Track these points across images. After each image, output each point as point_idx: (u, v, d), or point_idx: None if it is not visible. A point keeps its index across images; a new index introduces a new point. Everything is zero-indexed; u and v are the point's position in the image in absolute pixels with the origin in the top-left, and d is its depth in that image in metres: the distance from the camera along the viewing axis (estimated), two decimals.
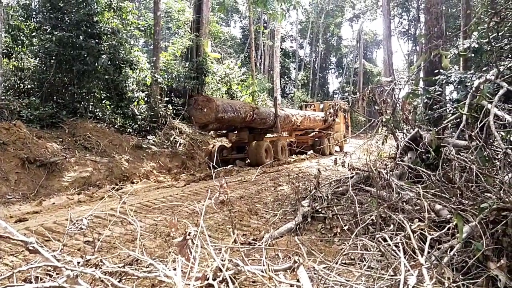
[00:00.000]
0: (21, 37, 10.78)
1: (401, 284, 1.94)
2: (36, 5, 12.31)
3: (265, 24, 34.30)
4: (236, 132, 12.45)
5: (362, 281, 2.43)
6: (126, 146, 10.67)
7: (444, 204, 3.79)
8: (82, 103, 11.19)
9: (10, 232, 2.02)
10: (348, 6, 46.52)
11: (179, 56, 16.46)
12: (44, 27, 11.07)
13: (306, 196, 5.52)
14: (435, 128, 5.41)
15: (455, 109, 5.93)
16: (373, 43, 54.13)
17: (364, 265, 2.74)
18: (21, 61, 10.97)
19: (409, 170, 5.15)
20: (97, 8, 11.22)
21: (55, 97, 10.87)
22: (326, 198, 5.19)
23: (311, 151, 16.20)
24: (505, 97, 4.65)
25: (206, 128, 11.61)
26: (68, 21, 10.79)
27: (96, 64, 10.95)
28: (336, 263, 2.77)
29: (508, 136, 3.81)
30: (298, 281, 2.39)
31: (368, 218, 4.01)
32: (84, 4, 10.91)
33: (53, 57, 10.61)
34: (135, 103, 12.73)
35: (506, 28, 6.50)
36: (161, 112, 13.34)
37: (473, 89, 5.06)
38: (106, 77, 11.55)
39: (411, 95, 6.06)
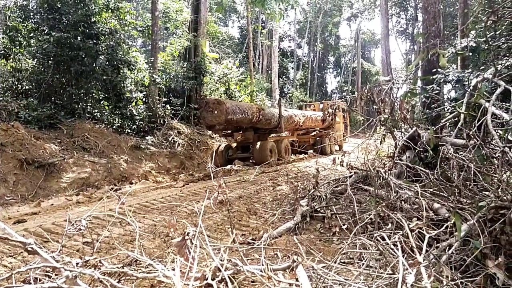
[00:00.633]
0: (19, 38, 10.76)
1: (399, 282, 1.94)
2: (33, 5, 12.31)
3: (263, 24, 34.28)
4: (241, 132, 12.78)
5: (360, 280, 2.44)
6: (124, 147, 10.67)
7: (443, 203, 3.80)
8: (80, 104, 11.18)
9: (9, 233, 2.01)
10: (346, 6, 46.53)
11: (177, 56, 16.44)
12: (41, 27, 11.05)
13: (305, 195, 5.53)
14: (433, 127, 5.42)
15: (453, 108, 5.93)
16: (371, 42, 54.16)
17: (363, 264, 2.74)
18: (19, 62, 10.95)
19: (408, 169, 5.16)
20: (95, 9, 11.21)
21: (53, 98, 10.85)
22: (324, 197, 5.20)
23: (311, 151, 16.27)
24: (502, 95, 4.65)
25: (214, 129, 12.00)
26: (66, 21, 10.77)
27: (94, 65, 10.93)
28: (335, 262, 2.78)
29: (506, 134, 3.81)
30: (297, 280, 2.39)
31: (367, 217, 4.02)
32: (82, 4, 10.89)
33: (51, 58, 10.60)
34: (133, 103, 12.73)
35: (503, 27, 6.51)
36: (159, 113, 13.34)
37: (471, 88, 5.07)
38: (104, 77, 11.53)
39: (409, 94, 6.06)
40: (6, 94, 10.18)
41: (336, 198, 5.29)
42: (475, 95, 4.53)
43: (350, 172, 6.00)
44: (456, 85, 6.78)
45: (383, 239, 2.81)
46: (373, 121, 6.09)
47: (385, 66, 28.32)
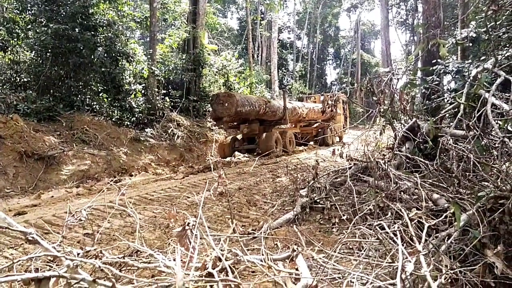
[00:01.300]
0: (16, 30, 10.69)
1: (398, 271, 1.95)
2: None
3: (262, 15, 34.05)
4: (247, 124, 13.02)
5: (360, 268, 2.45)
6: (124, 139, 10.66)
7: (442, 193, 3.81)
8: (79, 96, 11.15)
9: (9, 223, 2.02)
10: None
11: (176, 48, 16.36)
12: (39, 19, 10.97)
13: (304, 187, 5.54)
14: (432, 118, 5.41)
15: (453, 99, 5.92)
16: (371, 33, 53.87)
17: (362, 253, 2.76)
18: (17, 54, 10.90)
19: (407, 160, 5.17)
20: (92, 0, 11.11)
21: (51, 90, 10.82)
22: (324, 188, 5.21)
23: (312, 142, 16.75)
24: (502, 86, 4.64)
25: (221, 121, 12.35)
26: (64, 13, 10.69)
27: (92, 57, 10.89)
28: (335, 252, 2.79)
29: (506, 125, 3.81)
30: (297, 270, 2.40)
31: (366, 208, 4.03)
32: None
33: (49, 50, 10.54)
34: (132, 95, 12.70)
35: (504, 17, 6.47)
36: (158, 105, 13.31)
37: (471, 78, 5.06)
38: (103, 69, 11.49)
39: (409, 85, 6.05)
40: (4, 87, 10.14)
41: (336, 189, 5.30)
42: (475, 86, 4.52)
43: (350, 164, 6.01)
44: (456, 76, 6.76)
45: (383, 228, 2.83)
46: (373, 113, 6.09)
47: (385, 57, 28.22)
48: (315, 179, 5.41)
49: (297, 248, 2.56)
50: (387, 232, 2.69)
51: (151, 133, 12.04)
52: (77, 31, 10.69)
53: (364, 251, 2.83)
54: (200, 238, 2.43)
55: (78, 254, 2.40)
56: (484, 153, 4.06)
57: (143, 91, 13.23)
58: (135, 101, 12.63)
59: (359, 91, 6.15)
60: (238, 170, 9.31)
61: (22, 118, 8.63)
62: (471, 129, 4.13)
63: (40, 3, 10.90)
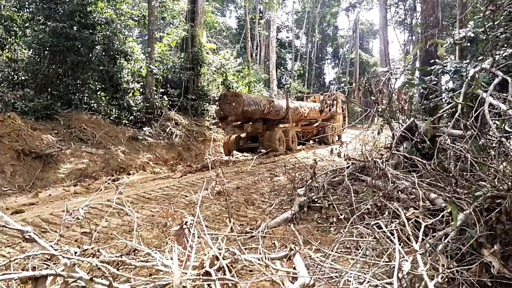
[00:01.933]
0: (14, 28, 10.64)
1: (395, 270, 1.96)
2: None
3: (261, 14, 34.00)
4: (251, 123, 13.54)
5: (357, 267, 2.46)
6: (122, 138, 10.65)
7: (439, 193, 3.82)
8: (77, 94, 11.12)
9: (6, 221, 2.01)
10: None
11: (174, 46, 16.33)
12: (37, 17, 10.93)
13: (302, 186, 5.55)
14: (430, 117, 5.42)
15: (450, 99, 5.93)
16: (369, 33, 53.89)
17: (360, 252, 2.77)
18: (15, 52, 10.86)
19: (405, 159, 5.18)
20: None
21: (49, 89, 10.78)
22: (322, 188, 5.22)
23: (311, 141, 17.09)
24: (500, 86, 4.65)
25: (226, 121, 13.09)
26: (61, 11, 10.66)
27: (90, 55, 10.86)
28: (332, 251, 2.80)
29: (503, 125, 3.82)
30: (294, 269, 2.41)
31: (364, 208, 4.04)
32: None
33: (47, 48, 10.51)
34: (131, 94, 12.67)
35: (501, 17, 6.48)
36: (156, 103, 13.29)
37: (469, 78, 5.07)
38: (101, 68, 11.46)
39: (407, 85, 6.05)
40: (2, 85, 10.10)
41: (334, 188, 5.31)
42: (473, 86, 4.53)
43: (348, 163, 6.02)
44: (454, 76, 6.77)
45: (380, 227, 2.83)
46: (371, 112, 6.09)
47: (383, 56, 28.25)
48: (313, 178, 5.42)
49: (295, 247, 2.56)
50: (384, 232, 2.70)
51: (149, 132, 12.02)
52: (75, 29, 10.65)
53: (362, 250, 2.84)
54: (198, 237, 2.43)
55: (75, 252, 2.40)
56: (482, 153, 4.07)
57: (141, 90, 13.20)
58: (133, 99, 12.61)
59: (357, 91, 6.15)
60: (236, 169, 9.31)
61: (19, 117, 8.61)
62: (468, 129, 4.14)
63: (38, 1, 10.86)
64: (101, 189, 5.18)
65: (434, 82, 7.12)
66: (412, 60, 12.31)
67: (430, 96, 7.11)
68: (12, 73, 10.72)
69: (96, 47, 10.97)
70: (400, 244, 2.31)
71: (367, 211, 3.93)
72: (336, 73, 52.34)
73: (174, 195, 6.16)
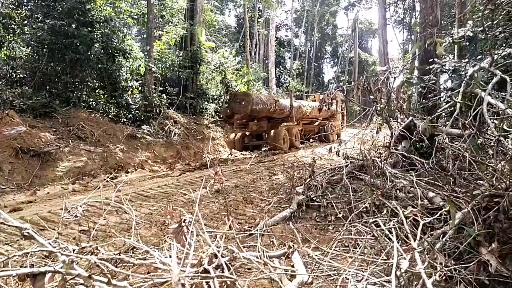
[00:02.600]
0: (13, 26, 10.60)
1: (393, 268, 1.96)
2: None
3: (260, 13, 33.95)
4: (256, 121, 14.02)
5: (355, 265, 2.46)
6: (120, 136, 10.63)
7: (437, 192, 3.83)
8: (75, 92, 11.10)
9: (4, 218, 2.01)
10: None
11: (173, 45, 16.29)
12: (35, 15, 10.89)
13: (301, 185, 5.56)
14: (429, 116, 5.42)
15: (449, 98, 5.94)
16: (368, 32, 53.84)
17: (358, 250, 2.77)
18: (13, 50, 10.81)
19: (403, 158, 5.19)
20: None
21: (47, 87, 10.76)
22: (321, 186, 5.23)
23: (311, 140, 17.53)
24: (498, 85, 4.66)
25: (232, 119, 13.65)
26: (60, 9, 10.62)
27: (89, 53, 10.84)
28: (330, 249, 2.80)
29: (501, 124, 3.83)
30: (292, 266, 2.41)
31: (362, 206, 4.05)
32: None
33: (45, 46, 10.48)
34: (129, 92, 12.65)
35: (500, 16, 6.48)
36: (155, 102, 13.27)
37: (467, 77, 5.07)
38: (99, 66, 11.43)
39: (405, 84, 6.05)
40: (0, 83, 10.07)
41: (332, 187, 5.32)
42: (471, 85, 4.53)
43: (346, 162, 6.03)
44: (453, 75, 6.77)
45: (378, 226, 2.84)
46: (370, 111, 6.10)
47: (382, 56, 28.25)
48: (312, 177, 5.43)
49: (293, 245, 2.56)
50: (383, 230, 2.71)
51: (148, 130, 12.00)
52: (73, 27, 10.62)
53: (360, 248, 2.84)
54: (197, 235, 2.43)
55: (73, 250, 2.40)
56: (480, 152, 4.08)
57: (140, 88, 13.18)
58: (131, 98, 12.59)
59: (356, 90, 6.16)
60: (235, 168, 9.31)
61: (18, 114, 8.58)
62: (467, 128, 4.14)
63: None
64: (100, 187, 5.17)
65: (433, 81, 7.12)
66: (411, 59, 12.30)
67: (429, 95, 7.11)
68: (11, 71, 10.68)
69: (95, 45, 10.95)
70: (398, 242, 2.32)
71: (366, 210, 3.94)
72: (335, 72, 52.33)
73: (173, 193, 6.17)
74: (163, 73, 14.96)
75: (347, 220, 3.42)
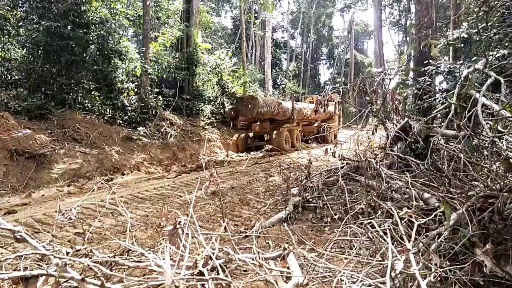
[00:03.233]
0: (8, 27, 10.54)
1: (388, 269, 1.96)
2: None
3: (256, 14, 33.99)
4: (258, 123, 14.58)
5: (350, 267, 2.46)
6: (116, 138, 10.59)
7: (433, 193, 3.84)
8: (71, 94, 11.05)
9: None
10: None
11: (169, 46, 16.26)
12: (31, 16, 10.84)
13: (297, 186, 5.55)
14: (424, 118, 5.45)
15: (444, 99, 5.97)
16: (364, 33, 54.00)
17: (353, 252, 2.77)
18: (8, 51, 10.75)
19: (399, 159, 5.20)
20: None
21: (43, 88, 10.70)
22: (317, 188, 5.23)
23: (310, 141, 17.92)
24: (493, 86, 4.69)
25: (237, 121, 14.43)
26: (56, 10, 10.58)
27: (85, 55, 10.79)
28: (326, 251, 2.80)
29: (496, 125, 3.85)
30: (288, 268, 2.41)
31: (358, 207, 4.05)
32: None
33: (41, 48, 10.43)
34: (125, 94, 12.60)
35: (495, 18, 6.53)
36: (151, 103, 13.23)
37: (462, 79, 5.09)
38: (95, 67, 11.39)
39: (401, 86, 6.08)
40: None
41: (328, 188, 5.32)
42: (466, 86, 4.56)
43: (342, 163, 6.03)
44: (448, 76, 6.81)
45: (373, 227, 2.84)
46: (365, 112, 6.11)
47: (378, 57, 28.36)
48: (308, 178, 5.43)
49: (289, 247, 2.56)
50: (378, 231, 2.71)
51: (144, 132, 11.97)
52: (69, 28, 10.58)
53: (355, 249, 2.84)
54: (192, 237, 2.42)
55: (67, 253, 2.38)
56: (475, 153, 4.10)
57: (135, 90, 13.14)
58: (127, 99, 12.54)
59: (352, 91, 6.17)
60: (231, 169, 9.30)
61: (13, 116, 8.53)
62: (462, 129, 4.16)
63: (32, 0, 10.77)
64: (95, 189, 5.14)
65: (428, 83, 7.15)
66: (406, 61, 12.38)
67: (424, 97, 7.14)
68: (6, 72, 10.62)
69: (91, 46, 10.91)
70: (393, 244, 2.32)
71: (361, 211, 3.94)
72: (331, 73, 52.46)
73: (169, 195, 6.15)
74: (159, 75, 14.93)
75: (343, 221, 3.42)
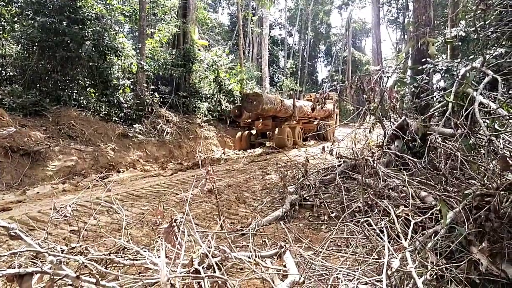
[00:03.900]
0: (2, 23, 10.45)
1: (384, 267, 1.96)
2: None
3: (253, 11, 33.90)
4: (261, 121, 15.01)
5: (347, 265, 2.45)
6: (111, 135, 10.54)
7: (429, 191, 3.84)
8: (66, 90, 10.96)
9: None
10: None
11: (165, 43, 16.18)
12: (26, 12, 10.73)
13: (294, 184, 5.55)
14: (421, 116, 5.46)
15: (441, 97, 5.97)
16: (362, 31, 54.07)
17: (350, 250, 2.77)
18: (3, 47, 10.65)
19: (396, 158, 5.21)
20: None
21: (38, 85, 10.61)
22: (314, 186, 5.22)
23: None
24: (490, 85, 4.69)
25: (240, 118, 14.95)
26: (51, 6, 10.48)
27: (80, 51, 10.71)
28: (322, 249, 2.79)
29: (493, 123, 3.85)
30: (284, 266, 2.40)
31: (355, 205, 4.05)
32: None
33: (36, 44, 10.34)
34: (121, 91, 12.52)
35: (492, 17, 6.54)
36: (147, 100, 13.17)
37: (460, 77, 5.09)
38: (90, 64, 11.31)
39: (398, 84, 6.08)
40: None
41: (325, 186, 5.32)
42: (464, 84, 4.55)
43: (340, 161, 6.03)
44: (445, 75, 6.81)
45: (370, 225, 2.84)
46: (363, 110, 6.11)
47: (376, 55, 28.40)
48: (305, 176, 5.42)
49: (285, 245, 2.55)
50: (374, 229, 2.70)
51: (140, 129, 11.91)
52: (64, 24, 10.49)
53: (352, 247, 2.84)
54: (188, 235, 2.40)
55: (62, 250, 2.36)
56: (472, 151, 4.10)
57: (131, 86, 13.06)
58: (123, 96, 12.47)
59: (349, 89, 6.16)
60: (227, 167, 9.28)
61: (7, 113, 8.46)
62: (459, 127, 4.16)
63: None
64: (90, 187, 5.11)
65: (426, 81, 7.16)
66: (404, 59, 12.39)
67: (422, 95, 7.15)
68: (0, 68, 10.52)
69: (86, 42, 10.83)
70: (389, 242, 2.31)
71: (358, 209, 3.94)
72: (328, 71, 52.46)
73: (165, 193, 6.12)
74: (155, 72, 14.86)
75: (340, 219, 3.42)
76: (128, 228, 3.88)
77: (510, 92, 5.07)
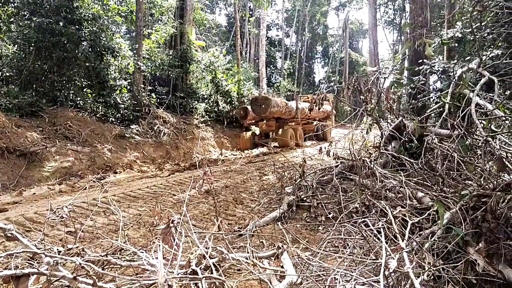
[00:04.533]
0: None
1: (382, 267, 1.96)
2: None
3: (250, 12, 33.94)
4: (265, 122, 15.70)
5: (344, 266, 2.46)
6: (108, 136, 10.50)
7: (426, 192, 3.85)
8: (63, 91, 10.91)
9: None
10: None
11: (162, 43, 16.15)
12: (22, 12, 10.70)
13: (291, 185, 5.55)
14: (418, 117, 5.47)
15: (438, 98, 6.00)
16: (359, 32, 54.16)
17: (347, 251, 2.77)
18: None
19: (393, 158, 5.22)
20: None
21: (34, 85, 10.56)
22: (311, 187, 5.22)
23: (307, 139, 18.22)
24: (486, 86, 4.72)
25: (245, 119, 15.58)
26: (47, 6, 10.45)
27: (77, 51, 10.67)
28: (320, 249, 2.79)
29: (489, 124, 3.87)
30: (282, 267, 2.40)
31: (352, 206, 4.06)
32: None
33: (32, 44, 10.30)
34: (118, 91, 12.48)
35: (488, 18, 6.57)
36: (144, 101, 13.13)
37: (456, 78, 5.12)
38: (87, 64, 11.28)
39: (395, 85, 6.10)
40: None
41: (323, 187, 5.33)
42: (460, 86, 4.58)
43: (337, 162, 6.04)
44: (442, 76, 6.84)
45: (367, 226, 2.84)
46: (360, 111, 6.13)
47: (373, 56, 28.48)
48: (302, 177, 5.42)
49: (283, 246, 2.55)
50: (372, 230, 2.71)
51: (137, 130, 11.88)
52: (61, 25, 10.45)
53: (349, 248, 2.84)
54: (185, 236, 2.40)
55: (59, 251, 2.35)
56: (468, 152, 4.12)
57: (128, 87, 13.02)
58: (120, 97, 12.42)
59: (346, 90, 6.18)
60: (225, 168, 9.27)
61: (3, 114, 8.41)
62: (455, 128, 4.18)
63: None
64: (87, 188, 5.09)
65: (422, 82, 7.19)
66: (400, 60, 12.43)
67: (418, 96, 7.18)
68: None
69: (83, 43, 10.79)
70: (387, 242, 2.32)
71: (355, 210, 3.94)
72: (326, 72, 52.54)
73: (162, 194, 6.11)
74: (153, 72, 14.82)
75: (337, 220, 3.42)
76: (125, 229, 3.87)
77: (506, 93, 5.09)
